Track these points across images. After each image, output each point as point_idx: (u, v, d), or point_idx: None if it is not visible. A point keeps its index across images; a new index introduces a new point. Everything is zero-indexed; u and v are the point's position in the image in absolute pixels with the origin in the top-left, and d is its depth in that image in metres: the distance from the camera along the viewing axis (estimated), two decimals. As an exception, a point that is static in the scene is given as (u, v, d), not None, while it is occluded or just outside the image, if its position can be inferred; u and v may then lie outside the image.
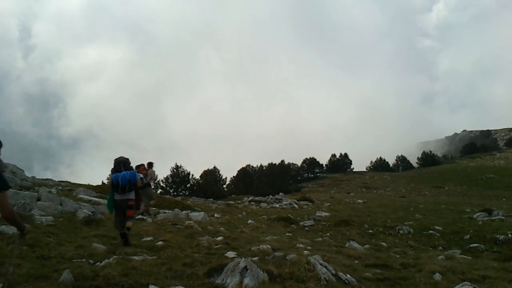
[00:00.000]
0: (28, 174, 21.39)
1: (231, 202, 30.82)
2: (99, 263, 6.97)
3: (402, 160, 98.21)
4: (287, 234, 14.49)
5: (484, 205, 26.06)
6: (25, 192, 13.72)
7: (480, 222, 18.79)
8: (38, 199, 13.44)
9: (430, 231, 16.50)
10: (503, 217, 19.52)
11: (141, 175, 13.86)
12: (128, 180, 9.47)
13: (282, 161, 79.47)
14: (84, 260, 7.16)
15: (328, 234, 15.53)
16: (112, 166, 9.89)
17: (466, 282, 6.23)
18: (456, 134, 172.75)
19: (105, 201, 15.93)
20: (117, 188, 9.46)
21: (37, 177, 22.60)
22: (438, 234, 16.12)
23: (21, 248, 7.09)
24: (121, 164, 9.78)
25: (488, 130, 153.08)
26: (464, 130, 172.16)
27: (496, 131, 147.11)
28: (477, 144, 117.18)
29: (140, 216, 13.82)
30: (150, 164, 16.69)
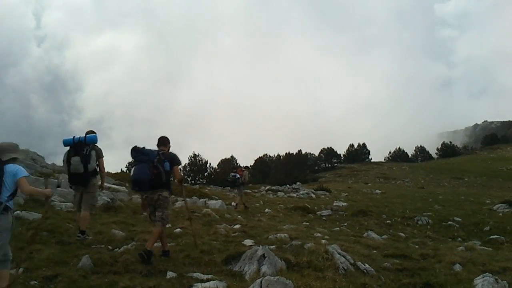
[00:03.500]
0: (48, 161, 21.64)
1: (248, 191, 30.87)
2: (117, 249, 7.04)
3: (421, 151, 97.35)
4: (304, 223, 14.46)
5: (505, 196, 25.62)
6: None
7: (500, 214, 18.53)
8: (58, 186, 13.63)
9: (449, 222, 16.32)
10: (524, 209, 19.19)
11: (238, 175, 17.58)
12: None
13: (300, 151, 79.33)
14: (103, 246, 7.24)
15: (345, 224, 15.45)
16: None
17: (487, 274, 6.10)
18: (476, 124, 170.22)
19: (124, 189, 16.30)
20: None
21: (57, 164, 22.83)
22: (457, 225, 15.93)
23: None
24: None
25: (509, 121, 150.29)
26: (485, 121, 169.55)
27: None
28: (498, 135, 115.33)
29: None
30: (246, 167, 19.69)
